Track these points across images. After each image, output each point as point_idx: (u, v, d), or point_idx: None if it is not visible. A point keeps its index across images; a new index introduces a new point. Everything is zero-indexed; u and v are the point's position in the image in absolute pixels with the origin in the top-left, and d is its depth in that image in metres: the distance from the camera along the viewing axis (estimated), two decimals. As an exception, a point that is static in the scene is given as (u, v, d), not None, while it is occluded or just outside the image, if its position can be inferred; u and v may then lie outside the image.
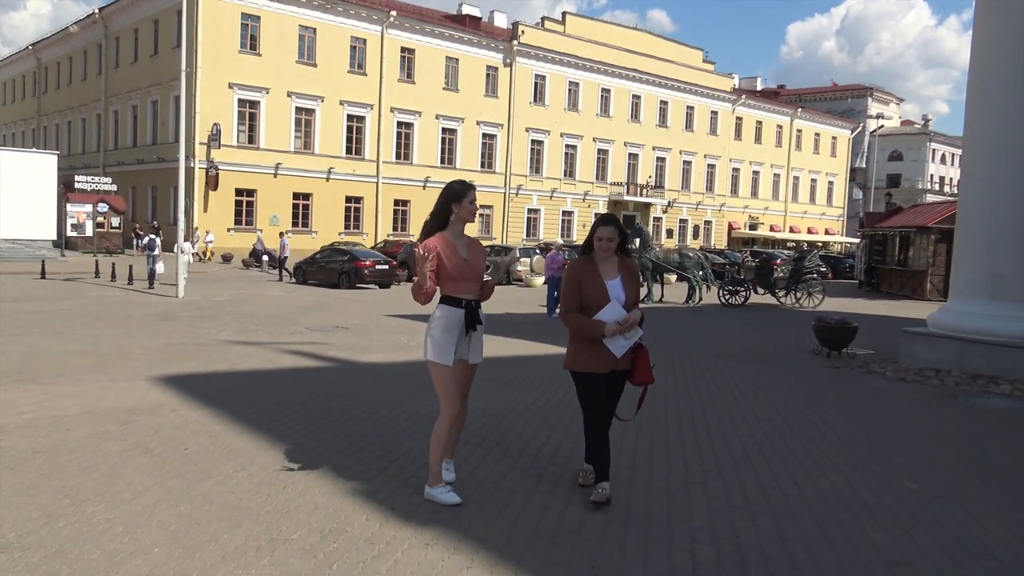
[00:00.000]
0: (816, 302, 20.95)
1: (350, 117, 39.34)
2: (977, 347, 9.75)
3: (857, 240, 42.47)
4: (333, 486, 4.77)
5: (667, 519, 4.42)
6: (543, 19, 48.73)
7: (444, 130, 42.97)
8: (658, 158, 53.47)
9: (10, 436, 5.68)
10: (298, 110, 37.60)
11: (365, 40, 39.44)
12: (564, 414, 6.89)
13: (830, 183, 66.96)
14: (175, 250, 19.51)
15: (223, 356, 9.71)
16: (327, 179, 38.56)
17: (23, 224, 29.08)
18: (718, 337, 13.94)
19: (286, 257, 26.16)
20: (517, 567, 3.71)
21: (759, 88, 66.57)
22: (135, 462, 5.15)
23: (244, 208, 36.51)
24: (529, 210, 47.45)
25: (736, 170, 58.95)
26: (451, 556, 3.81)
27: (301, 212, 38.18)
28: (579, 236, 44.06)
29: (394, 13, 39.79)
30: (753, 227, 59.63)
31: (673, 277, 23.82)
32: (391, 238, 37.02)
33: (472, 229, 4.89)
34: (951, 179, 71.58)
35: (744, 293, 21.31)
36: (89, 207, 35.00)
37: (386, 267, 23.81)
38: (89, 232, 35.14)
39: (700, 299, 21.07)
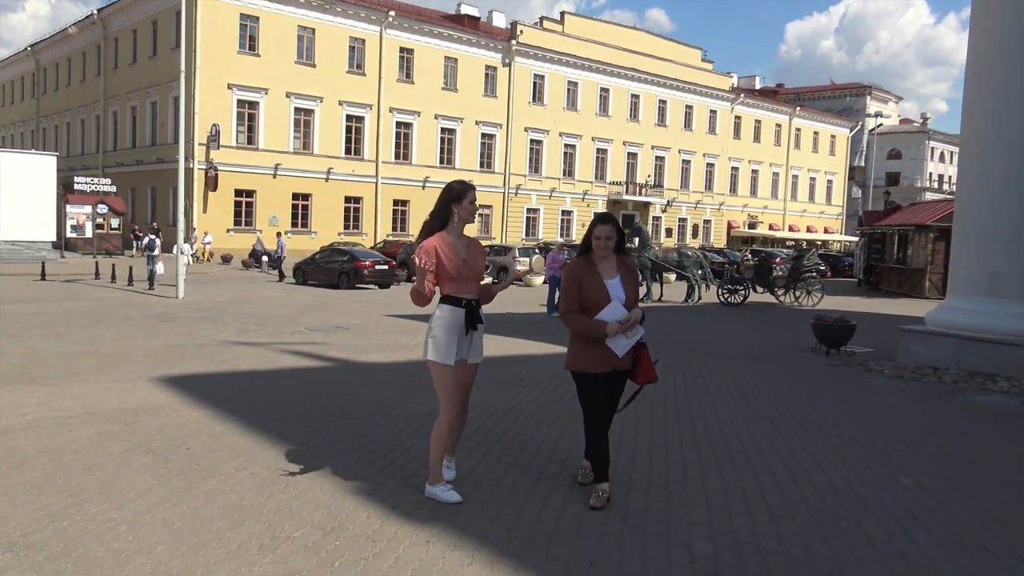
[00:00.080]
0: (815, 300, 21.00)
1: (349, 117, 39.37)
2: (974, 344, 9.79)
3: (856, 238, 42.53)
4: (334, 485, 4.81)
5: (665, 516, 4.46)
6: (542, 19, 48.78)
7: (443, 130, 43.01)
8: (657, 157, 53.51)
9: (14, 436, 5.72)
10: (297, 110, 37.63)
11: (364, 40, 39.47)
12: (563, 413, 6.94)
13: (829, 182, 67.02)
14: (175, 251, 19.54)
15: (224, 356, 9.75)
16: (326, 179, 38.60)
17: (23, 226, 29.11)
18: (717, 336, 13.98)
19: (281, 257, 26.10)
20: (517, 564, 3.75)
21: (758, 87, 66.68)
22: (138, 462, 5.19)
23: (243, 209, 36.55)
24: (528, 210, 47.49)
25: (735, 169, 59.00)
26: (451, 553, 3.85)
27: (300, 212, 38.22)
28: (578, 235, 44.09)
29: (393, 13, 39.82)
30: (752, 226, 59.68)
31: (672, 276, 23.86)
32: (390, 238, 37.07)
33: (471, 229, 4.90)
34: (950, 177, 71.60)
35: (743, 292, 21.35)
36: (89, 208, 35.02)
37: (386, 267, 23.85)
38: (89, 233, 35.15)
39: (699, 298, 21.11)
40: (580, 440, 4.93)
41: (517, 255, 28.15)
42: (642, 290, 19.60)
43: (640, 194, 51.21)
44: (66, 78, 48.06)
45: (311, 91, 37.67)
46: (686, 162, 55.41)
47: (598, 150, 50.16)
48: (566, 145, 48.56)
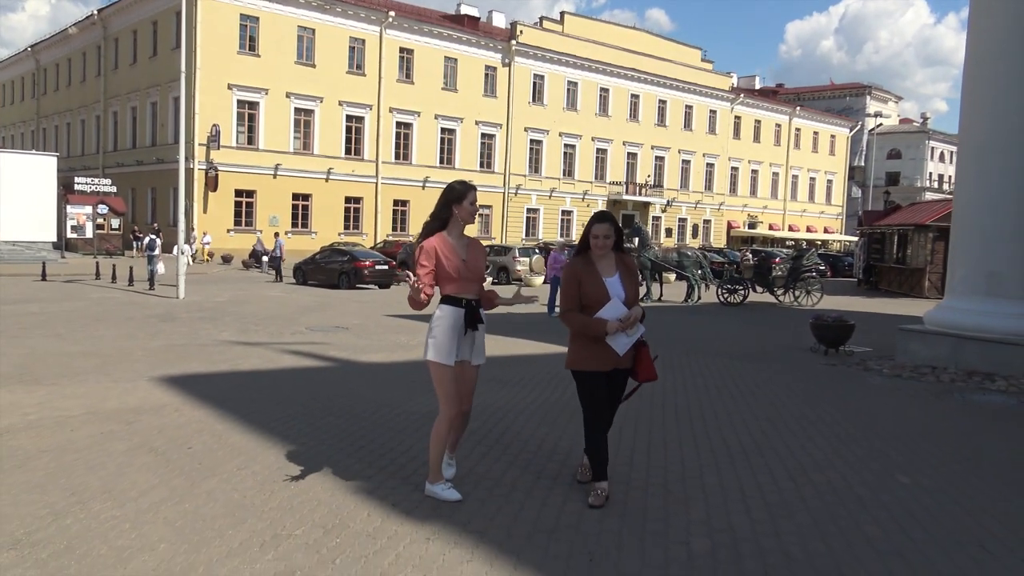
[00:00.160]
0: (814, 300, 21.02)
1: (349, 118, 39.40)
2: (973, 344, 9.82)
3: (856, 238, 42.55)
4: (335, 483, 4.84)
5: (664, 514, 4.49)
6: (541, 19, 48.82)
7: (443, 130, 43.04)
8: (657, 157, 53.54)
9: (16, 436, 5.74)
10: (297, 111, 37.67)
11: (364, 40, 39.51)
12: (563, 412, 6.96)
13: (829, 181, 67.05)
14: (175, 251, 19.57)
15: (224, 356, 9.77)
16: (326, 180, 38.63)
17: (23, 226, 29.12)
18: (716, 336, 14.01)
19: (278, 257, 26.01)
20: (516, 561, 3.78)
21: (758, 87, 66.71)
22: (140, 461, 5.22)
23: (244, 209, 36.58)
24: (528, 210, 47.52)
25: (735, 169, 59.04)
26: (451, 550, 3.88)
27: (300, 213, 38.25)
28: (579, 236, 44.06)
29: (393, 13, 39.86)
30: (752, 226, 59.72)
31: (672, 276, 23.89)
32: (390, 238, 37.10)
33: (471, 229, 4.91)
34: (950, 177, 71.56)
35: (743, 292, 21.38)
36: (89, 209, 35.08)
37: (386, 267, 23.87)
38: (89, 234, 35.21)
39: (699, 298, 21.14)
40: (580, 439, 4.95)
41: (517, 255, 28.16)
42: (642, 290, 19.62)
43: (640, 194, 51.25)
44: (66, 78, 48.10)
45: (311, 91, 37.70)
46: (686, 162, 55.45)
47: (598, 150, 50.20)
48: (566, 145, 48.59)
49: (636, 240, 20.98)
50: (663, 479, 5.17)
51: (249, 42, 35.92)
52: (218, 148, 34.67)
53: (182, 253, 18.77)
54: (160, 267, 20.84)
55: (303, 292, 21.32)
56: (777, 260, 22.84)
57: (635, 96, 51.55)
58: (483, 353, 4.64)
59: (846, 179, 68.69)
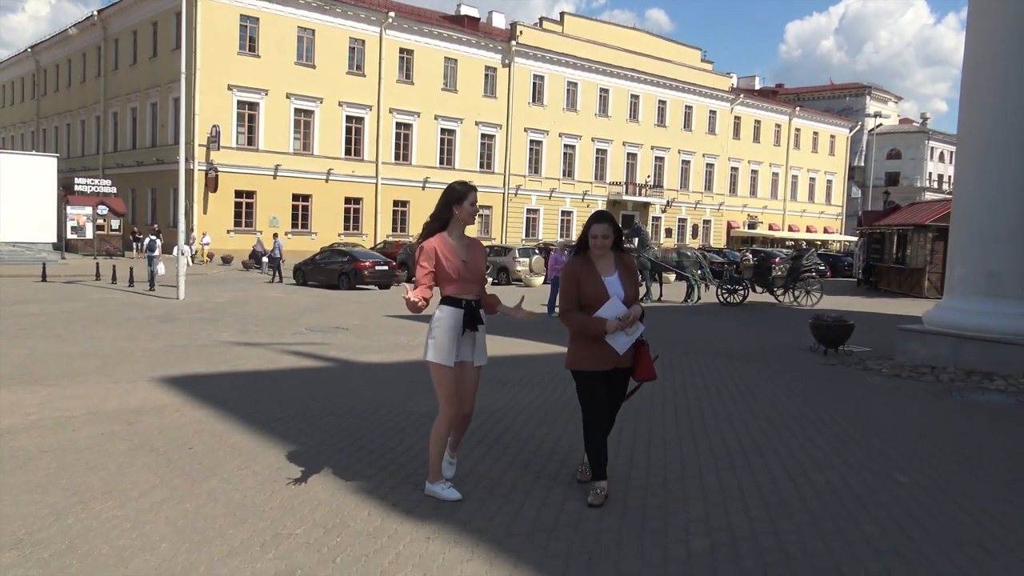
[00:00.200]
0: (814, 300, 21.04)
1: (349, 118, 39.42)
2: (972, 344, 9.84)
3: (855, 238, 42.57)
4: (335, 483, 4.85)
5: (663, 513, 4.50)
6: (541, 19, 48.83)
7: (443, 131, 43.06)
8: (657, 158, 53.56)
9: (17, 436, 5.76)
10: (297, 111, 37.68)
11: (364, 41, 39.52)
12: (563, 412, 6.98)
13: (828, 182, 67.06)
14: (175, 252, 19.58)
15: (225, 357, 9.79)
16: (326, 180, 38.64)
17: (23, 227, 29.17)
18: (716, 336, 14.02)
19: (277, 258, 25.98)
20: (516, 559, 3.80)
21: (757, 87, 66.70)
22: (141, 461, 5.24)
23: (244, 210, 36.59)
24: (528, 210, 47.54)
25: (735, 169, 59.05)
26: (451, 549, 3.89)
27: (300, 213, 38.26)
28: (578, 236, 44.06)
29: (392, 14, 39.87)
30: (752, 226, 59.73)
31: (672, 276, 23.90)
32: (391, 239, 37.10)
33: (472, 229, 4.92)
34: (950, 177, 71.55)
35: (742, 292, 21.40)
36: (89, 209, 35.10)
37: (386, 268, 23.90)
38: (89, 235, 35.23)
39: (699, 298, 21.15)
40: (579, 439, 4.96)
41: (517, 256, 28.18)
42: (641, 290, 19.63)
43: (640, 194, 51.27)
44: (66, 79, 48.12)
45: (311, 92, 37.71)
46: (686, 162, 55.46)
47: (598, 150, 50.21)
48: (566, 145, 48.60)
49: (636, 240, 20.99)
50: (662, 478, 5.19)
51: (249, 43, 35.93)
52: (218, 149, 34.68)
53: (182, 254, 18.79)
54: (160, 268, 20.86)
55: (303, 293, 21.34)
56: (777, 260, 22.87)
57: (635, 96, 51.57)
58: (485, 354, 4.64)
59: (846, 179, 68.70)
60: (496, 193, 45.49)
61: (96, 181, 36.77)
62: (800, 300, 21.38)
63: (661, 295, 22.01)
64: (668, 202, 53.63)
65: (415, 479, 4.91)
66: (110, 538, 3.91)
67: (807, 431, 6.71)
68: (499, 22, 48.06)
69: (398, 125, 41.21)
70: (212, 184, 34.90)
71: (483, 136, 44.82)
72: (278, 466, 5.18)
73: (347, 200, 39.83)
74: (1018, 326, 9.63)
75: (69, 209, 34.67)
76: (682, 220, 55.80)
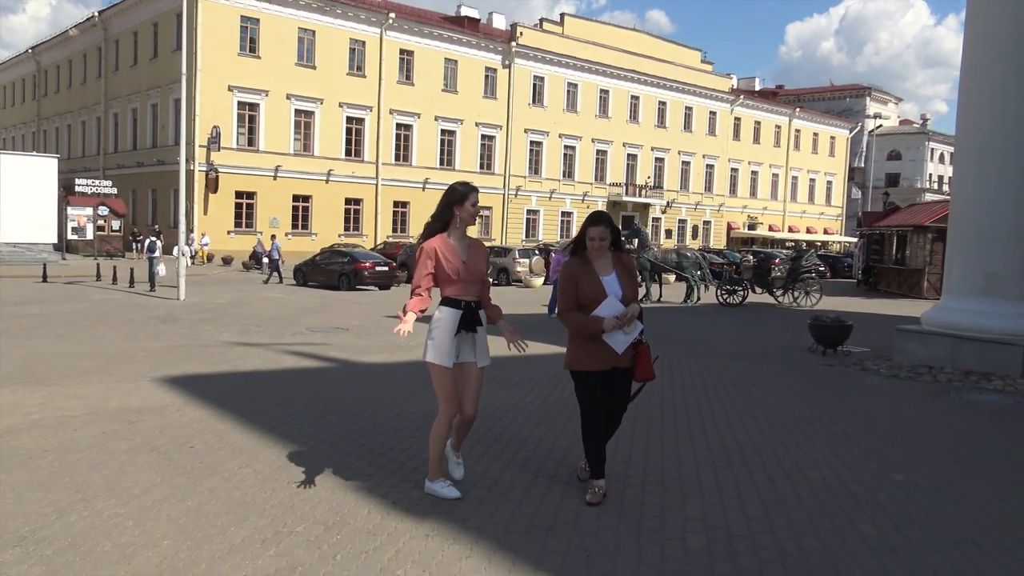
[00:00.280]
0: (814, 301, 21.07)
1: (349, 119, 39.45)
2: (970, 344, 9.87)
3: (855, 239, 42.59)
4: (335, 481, 4.89)
5: (660, 511, 4.54)
6: (541, 20, 48.85)
7: (443, 131, 43.09)
8: (657, 159, 53.59)
9: (19, 436, 5.79)
10: (297, 112, 37.72)
11: (364, 42, 39.56)
12: (562, 412, 7.02)
13: (828, 183, 67.09)
14: (175, 252, 19.62)
15: (225, 357, 9.83)
16: (327, 181, 38.68)
17: (24, 228, 29.19)
18: (716, 336, 14.05)
19: (276, 259, 25.92)
20: (514, 557, 3.83)
21: (757, 88, 66.67)
22: (142, 460, 5.27)
23: (244, 210, 36.61)
24: (528, 211, 47.56)
25: (735, 170, 59.08)
26: (450, 546, 3.93)
27: (301, 214, 38.29)
28: (575, 237, 44.08)
29: (393, 15, 39.92)
30: (752, 227, 59.76)
31: (671, 277, 23.93)
32: (391, 239, 37.12)
33: (472, 230, 4.94)
34: (950, 178, 71.18)
35: (742, 292, 21.42)
36: (89, 210, 35.14)
37: (386, 268, 23.93)
38: (90, 235, 35.27)
39: (698, 299, 21.18)
40: (578, 438, 4.98)
41: (517, 256, 28.22)
42: (641, 291, 19.67)
43: (640, 195, 51.28)
44: (67, 80, 48.17)
45: (311, 93, 37.75)
46: (686, 163, 55.49)
47: (598, 151, 50.25)
48: (566, 146, 48.64)
49: (636, 241, 21.03)
50: (660, 477, 5.22)
51: (249, 44, 35.97)
52: (218, 149, 34.71)
53: (182, 254, 18.83)
54: (161, 268, 20.89)
55: (303, 293, 21.37)
56: (776, 261, 22.90)
57: (635, 97, 51.60)
58: (487, 354, 4.65)
59: (846, 180, 68.72)
60: (496, 194, 45.52)
61: (97, 182, 36.82)
62: (799, 301, 21.41)
63: (661, 296, 22.04)
64: (668, 203, 53.64)
65: (415, 477, 4.95)
66: (112, 535, 3.94)
67: (805, 431, 6.74)
68: (499, 23, 48.10)
69: (398, 126, 41.25)
70: (212, 185, 34.93)
71: (483, 137, 44.85)
72: (278, 465, 5.22)
73: (347, 201, 39.86)
74: (1016, 326, 9.66)
75: (70, 210, 34.71)
76: (682, 221, 55.82)
